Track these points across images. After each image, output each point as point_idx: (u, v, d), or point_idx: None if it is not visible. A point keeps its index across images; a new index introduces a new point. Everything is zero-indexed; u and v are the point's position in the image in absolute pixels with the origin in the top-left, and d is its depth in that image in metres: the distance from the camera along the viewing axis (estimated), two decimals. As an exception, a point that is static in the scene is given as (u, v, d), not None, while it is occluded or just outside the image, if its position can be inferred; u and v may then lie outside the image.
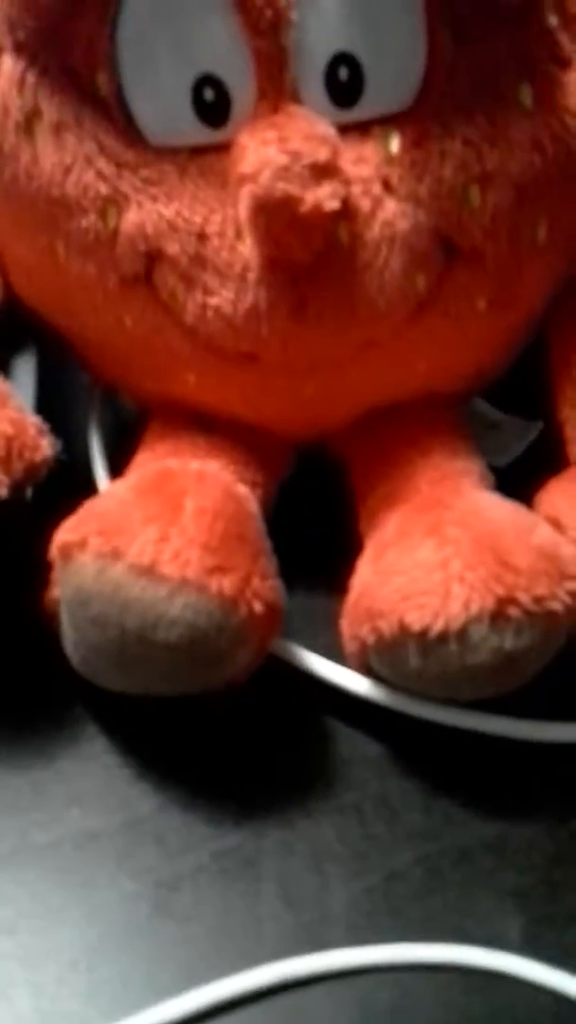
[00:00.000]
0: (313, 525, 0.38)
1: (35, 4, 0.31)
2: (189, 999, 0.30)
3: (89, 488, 0.39)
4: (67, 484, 0.35)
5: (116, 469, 0.39)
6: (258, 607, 0.32)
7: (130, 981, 0.31)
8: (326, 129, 0.31)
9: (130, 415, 0.41)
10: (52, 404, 0.37)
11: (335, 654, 0.35)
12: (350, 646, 0.34)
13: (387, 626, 0.32)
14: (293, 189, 0.30)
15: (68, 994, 0.30)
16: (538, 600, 0.31)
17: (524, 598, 0.31)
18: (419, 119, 0.32)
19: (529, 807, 0.34)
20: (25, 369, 0.38)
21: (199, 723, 0.35)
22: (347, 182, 0.32)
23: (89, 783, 0.34)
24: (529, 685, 0.33)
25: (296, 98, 0.32)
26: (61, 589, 0.33)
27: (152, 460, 0.37)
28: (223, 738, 0.35)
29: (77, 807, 0.34)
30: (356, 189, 0.32)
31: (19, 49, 0.32)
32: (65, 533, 0.33)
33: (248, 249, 0.32)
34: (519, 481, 0.37)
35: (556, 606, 0.32)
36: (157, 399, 0.38)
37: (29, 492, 0.34)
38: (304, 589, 0.37)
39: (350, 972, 0.30)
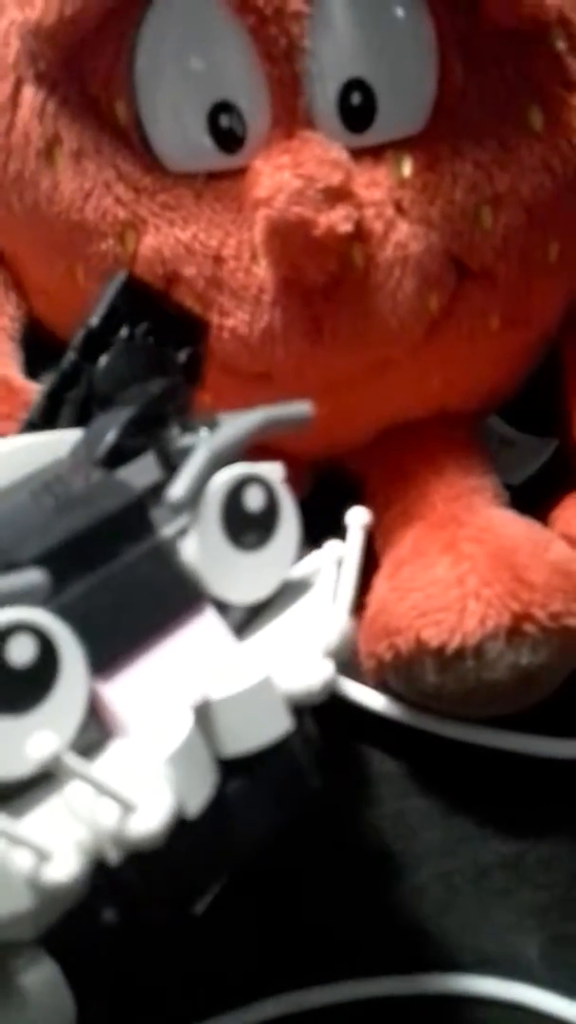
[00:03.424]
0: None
1: (56, 36, 0.31)
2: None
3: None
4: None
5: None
6: None
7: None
8: (339, 153, 0.32)
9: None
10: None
11: (352, 671, 0.35)
12: (367, 663, 0.34)
13: (404, 643, 0.32)
14: (307, 212, 0.31)
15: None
16: (554, 616, 0.31)
17: (540, 614, 0.31)
18: (430, 142, 0.33)
19: (548, 825, 0.34)
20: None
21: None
22: (360, 205, 0.32)
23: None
24: (547, 702, 0.33)
25: (310, 123, 0.32)
26: None
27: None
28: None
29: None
30: (369, 212, 0.33)
31: (40, 79, 0.33)
32: None
33: (263, 271, 0.33)
34: (533, 499, 0.37)
35: (572, 622, 0.32)
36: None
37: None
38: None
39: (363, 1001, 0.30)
